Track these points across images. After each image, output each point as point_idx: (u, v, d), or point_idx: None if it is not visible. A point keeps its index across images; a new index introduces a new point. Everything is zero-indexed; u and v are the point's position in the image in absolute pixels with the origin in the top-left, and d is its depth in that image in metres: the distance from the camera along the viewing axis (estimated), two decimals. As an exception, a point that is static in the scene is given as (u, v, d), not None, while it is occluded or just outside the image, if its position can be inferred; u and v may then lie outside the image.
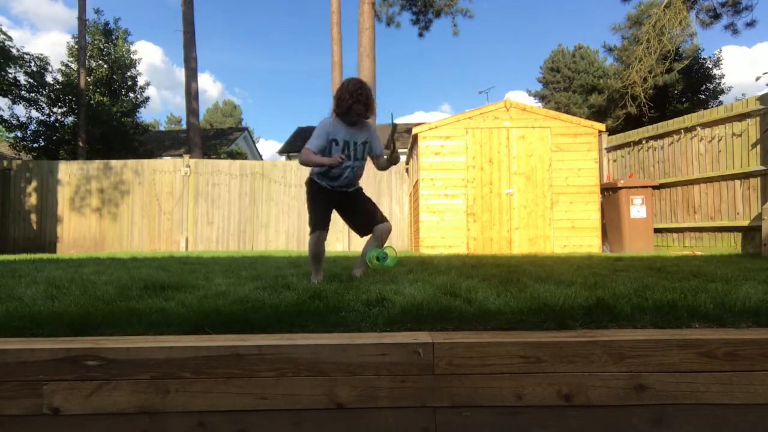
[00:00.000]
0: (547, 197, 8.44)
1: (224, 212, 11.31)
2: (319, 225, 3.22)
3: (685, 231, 8.11)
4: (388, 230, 3.28)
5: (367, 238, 3.33)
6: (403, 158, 17.35)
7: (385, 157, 3.21)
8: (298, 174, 11.11)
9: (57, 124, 16.56)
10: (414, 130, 8.87)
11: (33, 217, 11.18)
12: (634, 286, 2.58)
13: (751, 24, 13.99)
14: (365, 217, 3.31)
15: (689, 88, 22.27)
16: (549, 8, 74.18)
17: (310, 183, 3.33)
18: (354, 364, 1.60)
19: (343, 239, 11.01)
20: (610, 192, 8.30)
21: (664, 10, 13.79)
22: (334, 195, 3.28)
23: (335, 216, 3.35)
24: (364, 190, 3.45)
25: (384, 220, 3.30)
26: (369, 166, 3.44)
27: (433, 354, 1.61)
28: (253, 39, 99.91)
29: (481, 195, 8.49)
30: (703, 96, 23.06)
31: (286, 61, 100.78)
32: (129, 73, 18.15)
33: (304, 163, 3.11)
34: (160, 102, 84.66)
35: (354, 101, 3.06)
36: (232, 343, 1.66)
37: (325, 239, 3.25)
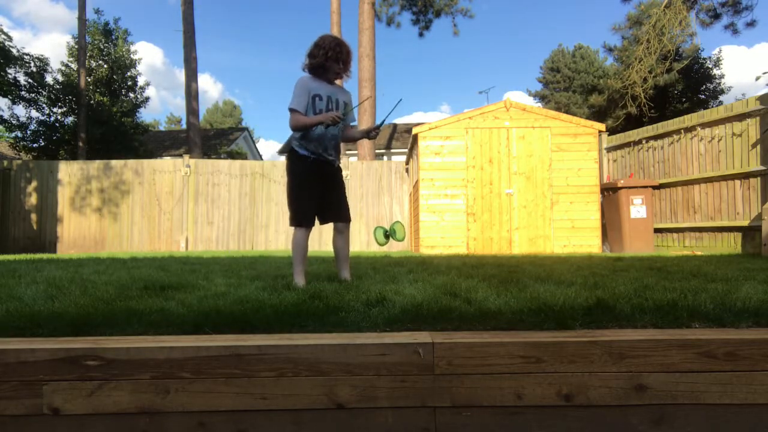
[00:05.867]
0: (547, 197, 8.44)
1: (224, 212, 11.32)
2: (304, 219, 2.94)
3: (685, 231, 8.11)
4: (347, 228, 3.11)
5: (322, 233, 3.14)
6: (401, 159, 17.35)
7: (367, 128, 2.98)
8: (298, 174, 11.10)
9: (57, 124, 16.57)
10: (414, 130, 8.87)
11: (33, 216, 11.19)
12: (634, 286, 2.58)
13: (751, 24, 14.00)
14: (337, 204, 3.03)
15: (689, 88, 22.27)
16: (549, 8, 74.19)
17: (293, 157, 2.97)
18: (354, 364, 1.60)
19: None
20: (610, 192, 8.30)
21: (664, 10, 13.79)
22: (319, 169, 2.96)
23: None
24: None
25: (348, 217, 3.08)
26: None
27: (433, 354, 1.61)
28: (253, 39, 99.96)
29: (481, 195, 8.49)
30: (703, 96, 23.06)
31: (286, 61, 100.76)
32: (129, 73, 18.14)
33: (295, 127, 2.85)
34: (160, 102, 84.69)
35: (328, 58, 2.85)
36: (232, 343, 1.66)
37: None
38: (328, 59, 2.87)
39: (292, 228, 3.02)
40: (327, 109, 2.92)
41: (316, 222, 3.07)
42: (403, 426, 1.59)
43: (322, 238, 10.21)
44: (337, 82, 3.10)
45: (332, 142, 2.99)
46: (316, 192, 2.96)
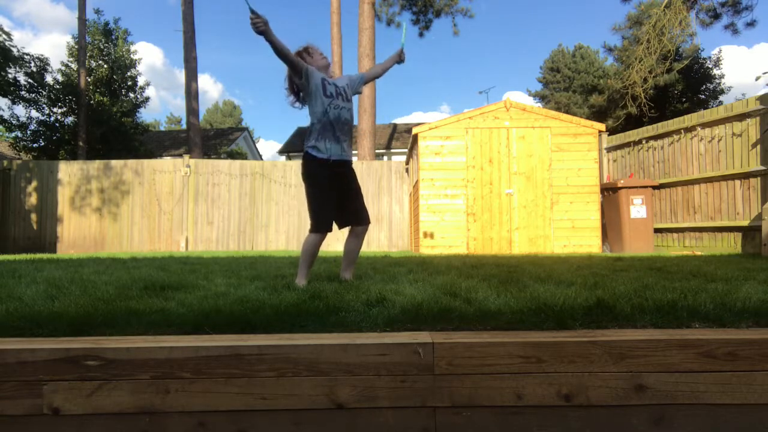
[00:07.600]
0: (547, 197, 8.44)
1: (224, 212, 11.31)
2: (324, 225, 2.95)
3: (685, 231, 8.11)
4: (366, 231, 3.19)
5: (342, 233, 3.17)
6: (401, 159, 17.35)
7: (396, 54, 3.23)
8: (298, 174, 11.10)
9: (57, 124, 16.57)
10: (414, 130, 8.87)
11: (33, 216, 11.19)
12: (634, 286, 2.58)
13: (751, 24, 14.00)
14: (355, 208, 3.08)
15: (689, 88, 22.27)
16: (549, 8, 74.22)
17: (310, 163, 2.94)
18: (354, 364, 1.60)
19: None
20: (610, 192, 8.30)
21: (664, 10, 13.78)
22: (337, 172, 2.97)
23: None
24: (363, 190, 3.33)
25: (368, 219, 3.15)
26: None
27: (433, 354, 1.61)
28: (253, 39, 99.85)
29: (481, 195, 8.49)
30: (703, 96, 23.07)
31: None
32: (129, 73, 18.15)
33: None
34: (160, 103, 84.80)
35: (301, 56, 2.97)
36: (232, 343, 1.66)
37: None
38: (302, 57, 2.97)
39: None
40: (336, 95, 2.97)
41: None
42: (403, 426, 1.59)
43: (322, 238, 10.20)
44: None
45: (345, 127, 3.00)
46: (335, 197, 2.99)
